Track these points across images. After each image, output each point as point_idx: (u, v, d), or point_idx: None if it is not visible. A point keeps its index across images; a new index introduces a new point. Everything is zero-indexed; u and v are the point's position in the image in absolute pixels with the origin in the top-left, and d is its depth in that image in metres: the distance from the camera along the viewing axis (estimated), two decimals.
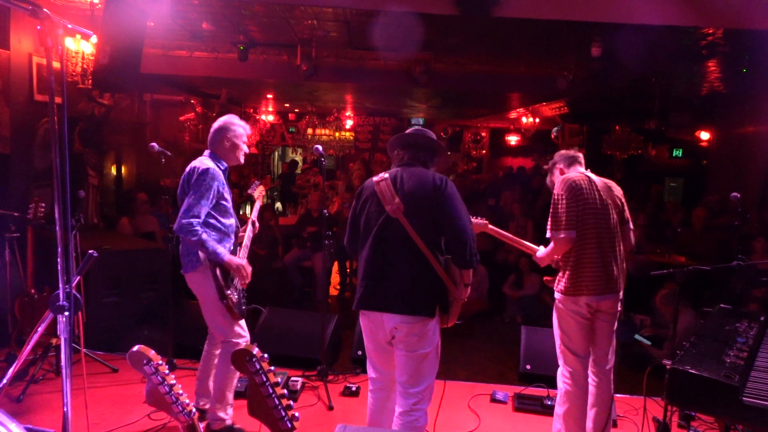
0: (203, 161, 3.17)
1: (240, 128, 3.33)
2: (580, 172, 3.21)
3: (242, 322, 3.25)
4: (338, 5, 5.02)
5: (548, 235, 3.14)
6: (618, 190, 3.24)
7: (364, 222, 2.77)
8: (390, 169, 2.86)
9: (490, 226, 3.43)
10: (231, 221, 3.23)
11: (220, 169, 3.19)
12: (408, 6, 4.62)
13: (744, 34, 5.14)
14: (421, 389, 2.67)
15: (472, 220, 3.27)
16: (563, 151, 3.37)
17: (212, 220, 3.12)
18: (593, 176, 3.21)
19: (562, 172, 3.28)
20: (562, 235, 3.06)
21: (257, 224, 3.59)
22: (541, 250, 3.29)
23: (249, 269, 3.19)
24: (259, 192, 3.76)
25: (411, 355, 2.64)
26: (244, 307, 3.29)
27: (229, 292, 3.10)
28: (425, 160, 2.83)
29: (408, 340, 2.63)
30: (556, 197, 3.11)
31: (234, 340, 3.17)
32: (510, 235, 3.48)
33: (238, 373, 3.29)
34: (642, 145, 10.37)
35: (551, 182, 3.39)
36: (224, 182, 3.20)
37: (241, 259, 3.19)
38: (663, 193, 11.23)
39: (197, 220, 3.01)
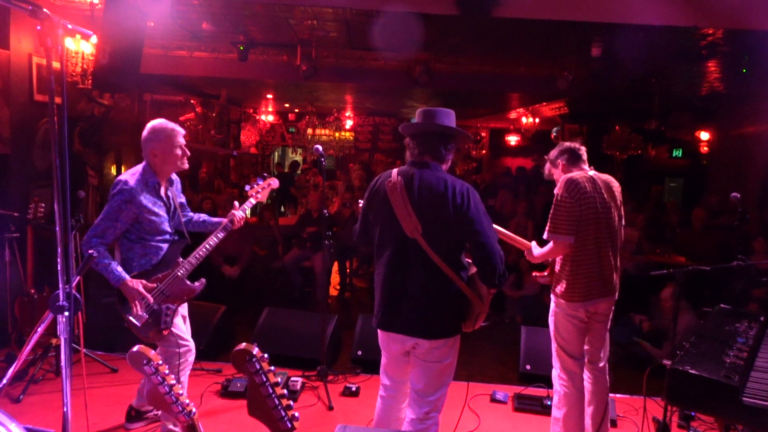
0: (128, 176, 2.93)
1: (165, 134, 2.97)
2: (583, 171, 3.15)
3: (182, 327, 3.09)
4: (338, 5, 5.02)
5: (545, 236, 3.11)
6: (617, 187, 3.20)
7: (379, 232, 2.64)
8: (401, 166, 2.69)
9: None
10: (163, 237, 3.04)
11: (147, 184, 2.96)
12: (408, 6, 4.62)
13: (744, 34, 5.15)
14: (436, 397, 2.63)
15: None
16: (566, 144, 3.25)
17: (134, 236, 2.97)
18: (596, 174, 3.16)
19: (565, 169, 3.20)
20: (559, 239, 3.03)
21: (237, 219, 3.19)
22: (535, 248, 3.25)
23: (148, 299, 2.87)
24: (258, 189, 3.36)
25: (430, 365, 2.59)
26: (164, 328, 2.97)
27: (129, 315, 2.88)
28: (440, 153, 2.61)
29: (428, 355, 2.58)
30: (558, 198, 3.05)
31: (173, 349, 3.04)
32: (503, 230, 3.29)
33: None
34: (642, 145, 10.37)
35: (549, 174, 3.35)
36: (153, 200, 2.97)
37: (139, 285, 2.87)
38: (663, 193, 11.24)
39: (98, 239, 2.84)
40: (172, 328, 3.03)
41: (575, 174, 3.10)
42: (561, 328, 3.17)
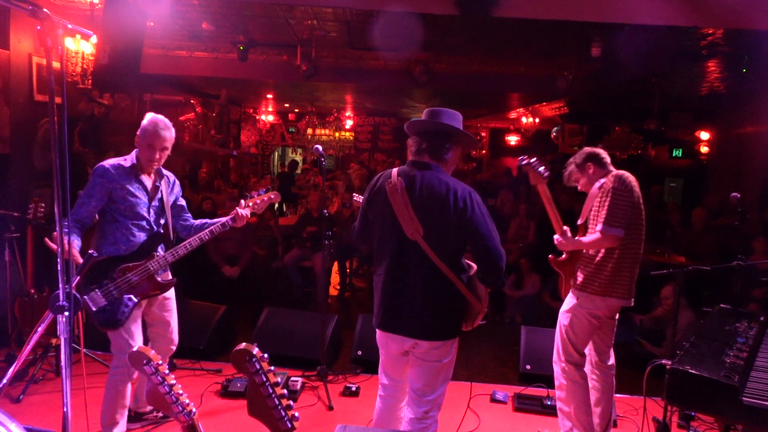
0: (111, 159, 3.09)
1: (150, 131, 3.05)
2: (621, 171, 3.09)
3: (127, 331, 2.99)
4: (338, 5, 5.02)
5: (598, 227, 2.97)
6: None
7: (379, 233, 2.64)
8: (401, 166, 2.68)
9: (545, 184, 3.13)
10: (139, 222, 3.03)
11: (125, 167, 3.02)
12: (408, 6, 4.62)
13: (744, 34, 5.15)
14: (435, 396, 2.64)
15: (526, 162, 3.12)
16: (589, 149, 3.20)
17: (109, 217, 3.01)
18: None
19: (596, 173, 3.15)
20: (611, 232, 2.93)
21: (241, 216, 3.16)
22: (568, 233, 3.09)
23: (76, 259, 2.77)
24: (257, 201, 3.24)
25: (429, 365, 2.59)
26: (120, 318, 2.94)
27: (86, 296, 2.88)
28: (439, 152, 2.60)
29: (427, 355, 2.58)
30: (614, 191, 2.96)
31: (114, 352, 3.03)
32: (551, 203, 3.17)
33: (127, 393, 3.09)
34: (642, 145, 10.38)
35: (570, 179, 3.30)
36: (130, 180, 3.01)
37: (76, 257, 2.78)
38: (663, 193, 11.23)
39: (72, 214, 2.91)
40: (122, 331, 2.98)
41: (623, 171, 3.07)
42: (577, 324, 3.12)
